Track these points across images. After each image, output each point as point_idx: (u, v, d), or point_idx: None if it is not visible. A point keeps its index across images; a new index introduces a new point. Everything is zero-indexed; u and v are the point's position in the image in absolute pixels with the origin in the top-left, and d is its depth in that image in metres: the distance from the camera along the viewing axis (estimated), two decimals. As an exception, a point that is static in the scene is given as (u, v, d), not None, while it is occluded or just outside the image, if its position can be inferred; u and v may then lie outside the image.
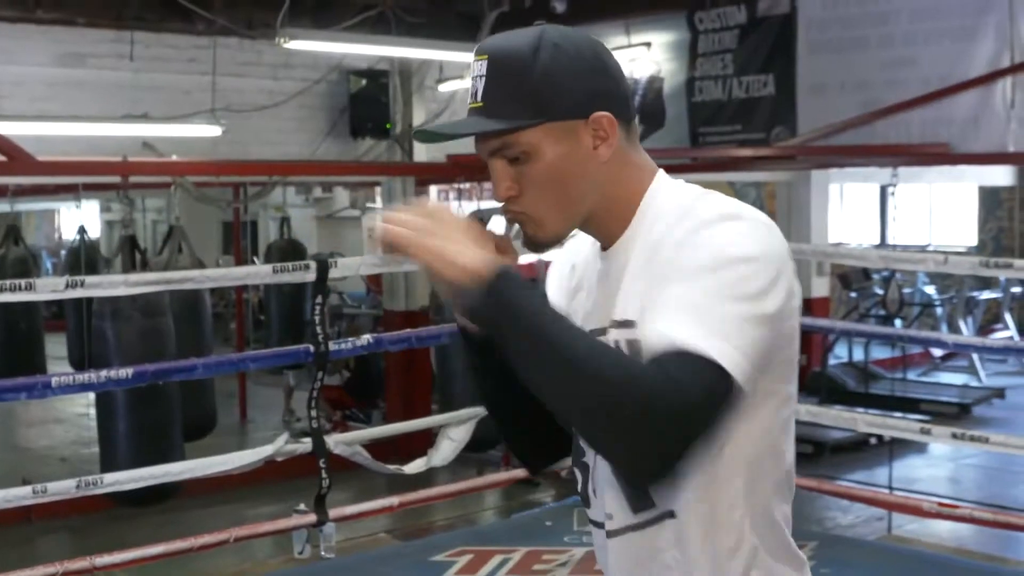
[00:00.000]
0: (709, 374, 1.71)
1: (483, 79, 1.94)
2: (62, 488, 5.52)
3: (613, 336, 1.94)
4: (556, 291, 2.17)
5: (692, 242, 1.84)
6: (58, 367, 10.83)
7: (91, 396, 7.79)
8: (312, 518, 6.37)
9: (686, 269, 1.81)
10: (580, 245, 2.15)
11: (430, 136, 2.02)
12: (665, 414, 1.68)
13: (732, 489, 1.91)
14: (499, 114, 1.92)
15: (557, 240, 2.02)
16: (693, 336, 1.72)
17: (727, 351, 1.73)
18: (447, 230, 1.86)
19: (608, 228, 2.01)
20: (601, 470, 2.00)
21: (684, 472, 1.80)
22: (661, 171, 2.04)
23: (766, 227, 1.87)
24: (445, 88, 11.81)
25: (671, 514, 1.93)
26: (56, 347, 12.66)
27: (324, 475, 6.20)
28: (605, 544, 2.05)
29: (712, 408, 1.73)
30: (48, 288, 5.65)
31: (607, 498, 2.01)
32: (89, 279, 5.70)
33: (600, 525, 2.06)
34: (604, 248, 2.04)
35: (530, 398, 1.83)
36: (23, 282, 5.40)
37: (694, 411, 1.70)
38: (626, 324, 1.94)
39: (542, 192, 1.95)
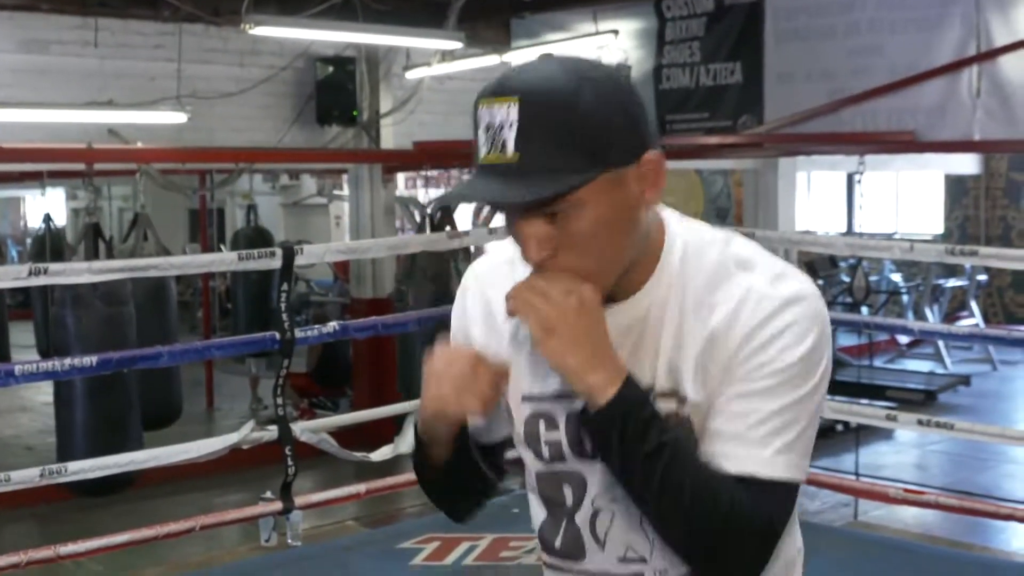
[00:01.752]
0: (791, 495, 1.80)
1: (514, 127, 1.64)
2: (25, 477, 5.49)
3: (663, 407, 1.81)
4: (486, 332, 2.00)
5: (761, 338, 1.77)
6: (25, 356, 10.77)
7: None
8: (279, 506, 6.36)
9: (760, 376, 1.77)
10: (495, 276, 1.98)
11: (457, 199, 1.93)
12: (762, 544, 1.78)
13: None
14: (546, 168, 1.65)
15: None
16: (774, 464, 1.76)
17: (801, 466, 1.79)
18: (581, 330, 1.71)
19: (631, 278, 1.83)
20: (626, 517, 1.90)
21: None
22: (660, 205, 1.87)
23: (817, 299, 1.84)
24: (412, 75, 11.77)
25: None
26: (24, 335, 12.61)
27: (290, 463, 6.18)
28: None
29: (786, 516, 1.82)
30: (10, 276, 5.62)
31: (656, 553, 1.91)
32: (53, 267, 5.66)
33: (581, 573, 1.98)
34: (615, 300, 1.84)
35: (469, 471, 1.96)
36: (-15, 269, 5.37)
37: (779, 532, 1.80)
38: (670, 395, 1.83)
39: (585, 250, 1.72)
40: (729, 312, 1.78)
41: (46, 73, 10.31)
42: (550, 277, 1.74)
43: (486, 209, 10.35)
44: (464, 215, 11.10)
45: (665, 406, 1.82)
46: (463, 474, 1.99)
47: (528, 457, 1.98)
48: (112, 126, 10.07)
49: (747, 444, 1.76)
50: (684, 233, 1.86)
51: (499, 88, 1.70)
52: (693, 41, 11.41)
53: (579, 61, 1.73)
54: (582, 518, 1.93)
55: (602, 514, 1.91)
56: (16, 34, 10.25)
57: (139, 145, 9.59)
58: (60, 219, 19.38)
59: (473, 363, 1.83)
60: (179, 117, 10.15)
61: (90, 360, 5.56)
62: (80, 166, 8.03)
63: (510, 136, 1.65)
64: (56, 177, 9.83)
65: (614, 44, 11.93)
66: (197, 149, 9.93)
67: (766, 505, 1.76)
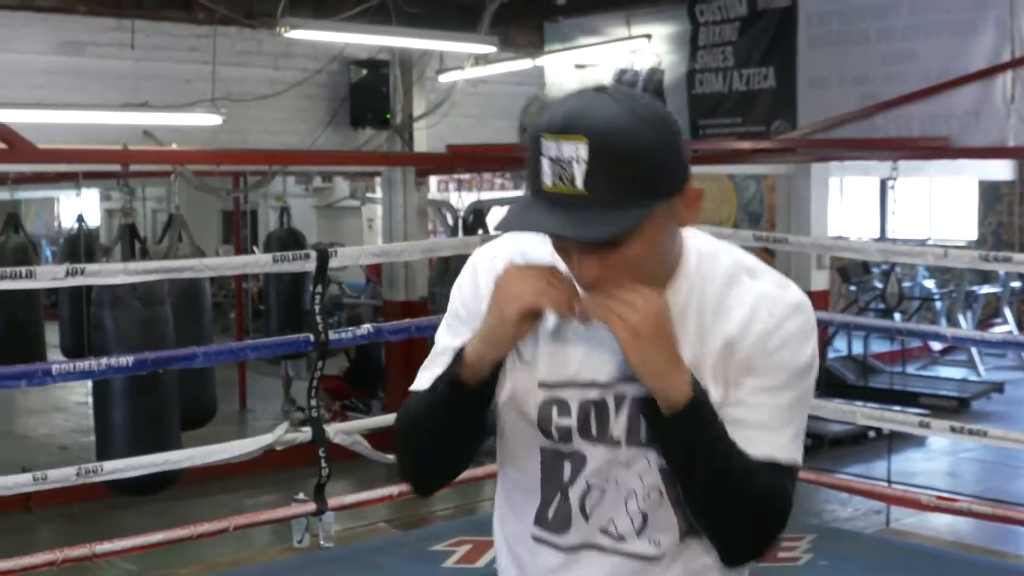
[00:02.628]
0: (796, 475, 2.08)
1: (583, 164, 1.80)
2: (62, 476, 5.53)
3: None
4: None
5: (778, 339, 2.01)
6: (51, 356, 10.83)
7: (90, 385, 7.79)
8: (311, 507, 6.38)
9: (777, 372, 2.02)
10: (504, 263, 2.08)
11: (529, 228, 1.94)
12: (782, 522, 2.06)
13: None
14: (612, 203, 1.83)
15: None
16: (789, 450, 2.04)
17: (799, 447, 2.08)
18: (662, 335, 1.91)
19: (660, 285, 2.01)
20: (614, 496, 2.10)
21: None
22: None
23: (811, 306, 2.07)
24: (445, 79, 11.80)
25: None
26: (56, 336, 12.68)
27: (324, 464, 6.21)
28: (584, 563, 2.14)
29: (794, 492, 2.10)
30: (48, 276, 5.66)
31: (650, 526, 2.11)
32: (89, 267, 5.71)
33: (568, 548, 2.14)
34: None
35: (467, 440, 2.13)
36: (23, 269, 5.41)
37: (790, 507, 2.07)
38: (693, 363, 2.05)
39: (638, 271, 1.92)
40: (745, 316, 2.02)
41: (82, 75, 10.39)
42: (626, 287, 1.91)
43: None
44: (496, 219, 11.11)
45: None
46: (465, 423, 2.11)
47: (531, 435, 2.12)
48: (147, 128, 10.13)
49: (769, 431, 2.01)
50: (694, 240, 2.06)
51: (567, 126, 1.83)
52: (726, 46, 11.39)
53: (632, 98, 1.88)
54: (575, 493, 2.11)
55: (593, 490, 2.09)
56: (52, 36, 10.33)
57: (174, 147, 9.64)
58: (94, 220, 19.47)
59: (550, 271, 1.97)
60: (214, 119, 10.20)
61: (126, 360, 5.60)
62: (116, 167, 8.07)
63: (579, 172, 1.81)
64: (91, 178, 9.85)
65: (647, 48, 11.93)
66: (231, 151, 9.97)
67: (785, 485, 2.03)
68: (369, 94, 11.70)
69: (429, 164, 11.55)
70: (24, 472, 5.77)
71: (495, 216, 10.74)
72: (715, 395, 2.00)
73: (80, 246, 10.72)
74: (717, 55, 11.46)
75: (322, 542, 6.65)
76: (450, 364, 2.07)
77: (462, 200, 11.62)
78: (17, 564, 5.36)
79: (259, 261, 7.13)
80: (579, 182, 1.81)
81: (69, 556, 5.49)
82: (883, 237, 16.97)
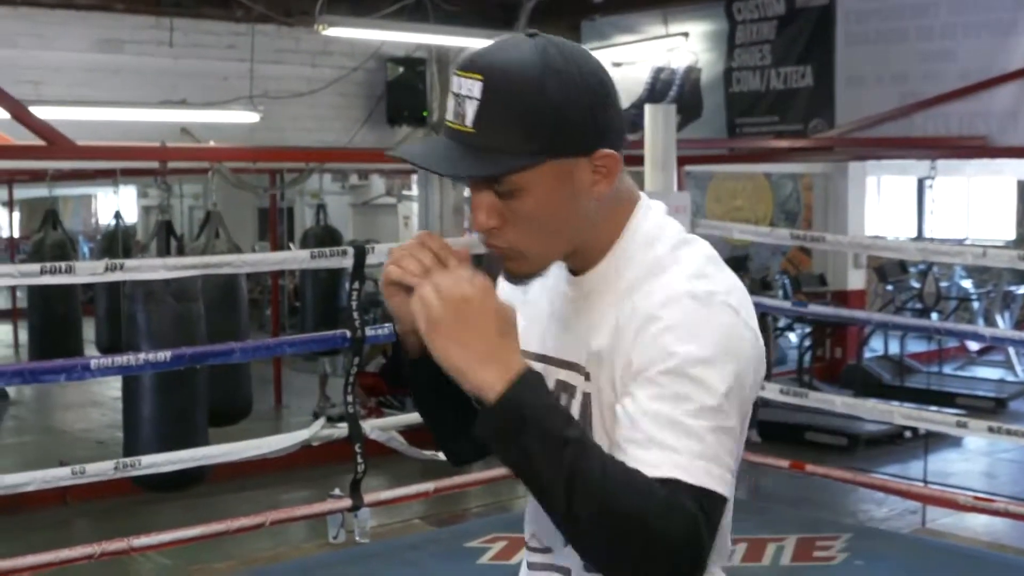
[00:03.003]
0: (715, 505, 1.66)
1: (476, 102, 1.73)
2: (100, 470, 5.57)
3: (581, 389, 1.85)
4: (507, 295, 1.99)
5: (658, 324, 1.72)
6: (95, 351, 10.89)
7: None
8: (347, 503, 6.40)
9: (652, 365, 1.70)
10: None
11: (414, 159, 1.85)
12: (687, 555, 1.62)
13: None
14: (496, 146, 1.74)
15: (539, 274, 1.88)
16: (692, 471, 1.64)
17: (717, 475, 1.66)
18: (468, 319, 1.66)
19: (585, 259, 1.88)
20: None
21: None
22: (643, 198, 1.93)
23: (732, 310, 1.76)
24: (482, 76, 11.81)
25: None
26: (93, 332, 12.75)
27: (360, 460, 6.22)
28: None
29: (713, 530, 1.66)
30: (87, 271, 5.69)
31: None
32: (128, 263, 5.74)
33: (532, 566, 2.08)
34: (575, 273, 1.91)
35: (464, 407, 1.92)
36: (63, 265, 5.44)
37: (701, 541, 1.62)
38: (587, 376, 1.84)
39: (529, 228, 1.80)
40: (637, 303, 1.78)
41: (120, 72, 10.45)
42: (449, 270, 1.75)
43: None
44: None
45: (583, 386, 1.85)
46: (456, 408, 1.99)
47: None
48: (185, 125, 10.18)
49: (659, 447, 1.66)
50: (651, 227, 1.88)
51: (469, 63, 1.76)
52: (764, 44, 11.38)
53: (552, 47, 1.77)
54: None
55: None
56: (91, 34, 10.39)
57: (211, 144, 9.69)
58: (130, 217, 19.57)
59: (433, 241, 1.82)
60: (251, 116, 10.25)
61: (164, 355, 5.63)
62: (154, 164, 8.11)
63: (471, 110, 1.74)
64: (129, 175, 9.93)
65: (684, 46, 11.92)
66: (268, 148, 10.01)
67: (686, 506, 1.62)
68: (406, 92, 11.72)
69: (465, 162, 11.54)
70: (62, 466, 5.81)
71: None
72: (601, 383, 1.81)
73: (117, 242, 10.79)
74: (755, 53, 11.44)
75: (357, 538, 6.67)
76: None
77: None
78: (56, 557, 5.40)
79: (297, 257, 7.16)
80: (469, 120, 1.74)
81: (107, 550, 5.52)
82: (920, 236, 16.89)
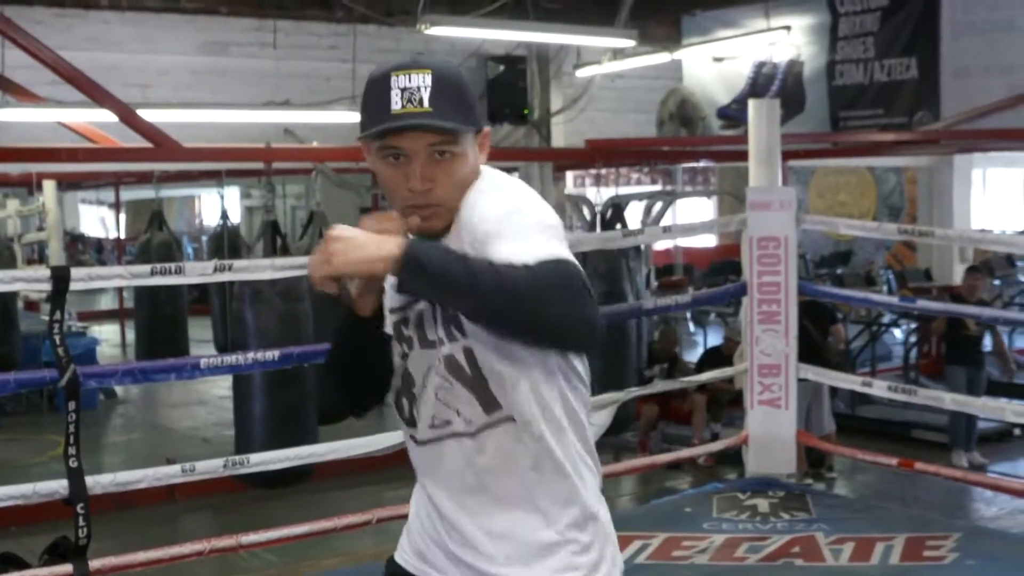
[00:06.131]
0: (567, 264, 2.17)
1: (428, 90, 2.29)
2: (209, 467, 5.61)
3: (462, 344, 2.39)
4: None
5: (484, 226, 2.25)
6: (201, 350, 11.02)
7: (231, 379, 7.90)
8: (451, 500, 6.40)
9: (489, 233, 2.22)
10: None
11: (398, 126, 2.29)
12: (573, 289, 2.15)
13: (555, 392, 2.41)
14: (448, 118, 2.29)
15: (448, 230, 2.35)
16: (543, 251, 2.16)
17: (560, 250, 2.19)
18: (354, 242, 2.16)
19: (447, 219, 2.37)
20: (429, 395, 2.48)
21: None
22: (485, 168, 2.43)
23: (517, 192, 2.35)
24: (582, 73, 11.79)
25: (511, 418, 2.39)
26: (197, 331, 12.92)
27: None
28: (432, 451, 2.52)
29: (587, 284, 2.19)
30: (197, 272, 5.74)
31: (460, 410, 2.43)
32: (237, 263, 5.79)
33: (423, 442, 2.54)
34: (433, 237, 2.36)
35: (374, 363, 2.55)
36: (173, 266, 5.49)
37: (583, 283, 2.17)
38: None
39: (453, 186, 2.33)
40: (472, 230, 2.29)
41: (225, 75, 10.58)
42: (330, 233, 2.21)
43: (657, 207, 10.33)
44: (634, 214, 11.07)
45: (463, 342, 2.38)
46: (366, 365, 2.56)
47: (397, 350, 2.55)
48: (288, 126, 10.27)
49: (520, 249, 2.17)
50: (487, 188, 2.37)
51: (414, 64, 2.32)
52: (867, 36, 11.25)
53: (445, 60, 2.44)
54: (418, 397, 2.51)
55: (427, 391, 2.48)
56: (196, 37, 10.52)
57: (314, 144, 9.76)
58: (235, 216, 19.80)
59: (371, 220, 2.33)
60: (353, 117, 10.29)
61: (272, 354, 5.66)
62: (258, 165, 8.19)
63: (426, 95, 2.29)
64: (234, 175, 10.03)
65: (786, 40, 11.82)
66: (371, 148, 10.04)
67: (556, 266, 2.14)
68: (507, 90, 11.74)
69: (569, 159, 11.56)
70: (169, 464, 5.87)
71: (633, 211, 10.71)
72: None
73: (224, 242, 10.92)
74: (858, 46, 11.31)
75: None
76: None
77: (600, 195, 11.62)
78: (167, 553, 5.46)
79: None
80: (426, 102, 2.28)
81: (216, 546, 5.56)
82: (1028, 230, 16.60)
